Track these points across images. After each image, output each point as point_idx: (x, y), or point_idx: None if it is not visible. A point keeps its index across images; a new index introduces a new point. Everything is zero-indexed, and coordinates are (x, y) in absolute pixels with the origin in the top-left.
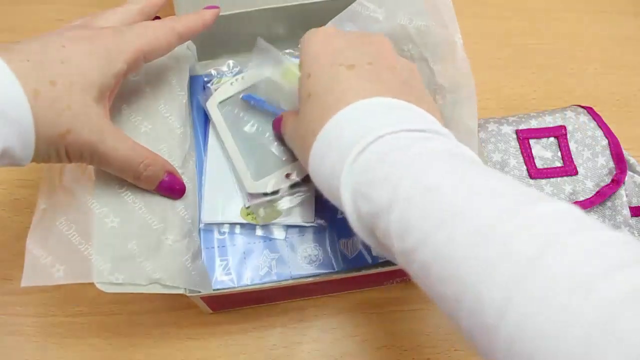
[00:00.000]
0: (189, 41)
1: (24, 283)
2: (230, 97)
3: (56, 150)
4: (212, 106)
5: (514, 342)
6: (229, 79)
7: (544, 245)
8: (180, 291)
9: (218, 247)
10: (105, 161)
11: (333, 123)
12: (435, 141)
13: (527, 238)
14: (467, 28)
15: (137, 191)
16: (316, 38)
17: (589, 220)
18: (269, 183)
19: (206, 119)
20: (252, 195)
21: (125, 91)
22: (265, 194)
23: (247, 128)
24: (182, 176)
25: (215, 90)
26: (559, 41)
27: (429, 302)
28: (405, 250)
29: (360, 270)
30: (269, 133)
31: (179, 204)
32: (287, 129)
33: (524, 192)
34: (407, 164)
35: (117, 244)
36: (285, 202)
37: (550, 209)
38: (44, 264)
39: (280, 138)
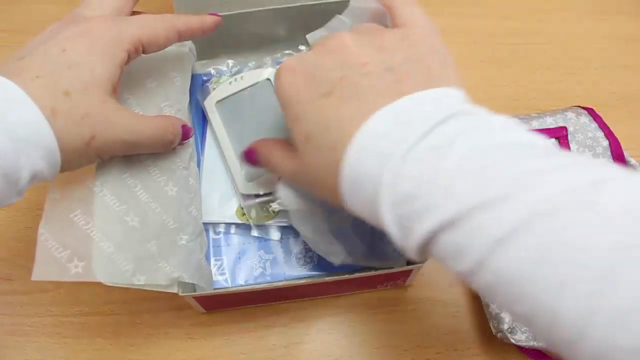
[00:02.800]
0: (190, 42)
1: (35, 277)
2: (229, 96)
3: (86, 157)
4: (209, 105)
5: (600, 357)
6: (228, 78)
7: (620, 247)
8: (174, 289)
9: (213, 246)
10: (136, 148)
11: (349, 167)
12: (457, 144)
13: (598, 240)
14: (467, 28)
15: (151, 190)
16: (284, 78)
17: None
18: (261, 184)
19: (204, 118)
20: (245, 196)
21: (130, 88)
22: (258, 195)
23: (243, 128)
24: (188, 177)
25: (214, 89)
26: (559, 41)
27: (429, 302)
28: (461, 272)
29: (353, 273)
30: (264, 135)
31: (190, 204)
32: (285, 170)
33: (579, 181)
34: (439, 189)
35: (137, 244)
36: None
37: (620, 193)
38: (60, 257)
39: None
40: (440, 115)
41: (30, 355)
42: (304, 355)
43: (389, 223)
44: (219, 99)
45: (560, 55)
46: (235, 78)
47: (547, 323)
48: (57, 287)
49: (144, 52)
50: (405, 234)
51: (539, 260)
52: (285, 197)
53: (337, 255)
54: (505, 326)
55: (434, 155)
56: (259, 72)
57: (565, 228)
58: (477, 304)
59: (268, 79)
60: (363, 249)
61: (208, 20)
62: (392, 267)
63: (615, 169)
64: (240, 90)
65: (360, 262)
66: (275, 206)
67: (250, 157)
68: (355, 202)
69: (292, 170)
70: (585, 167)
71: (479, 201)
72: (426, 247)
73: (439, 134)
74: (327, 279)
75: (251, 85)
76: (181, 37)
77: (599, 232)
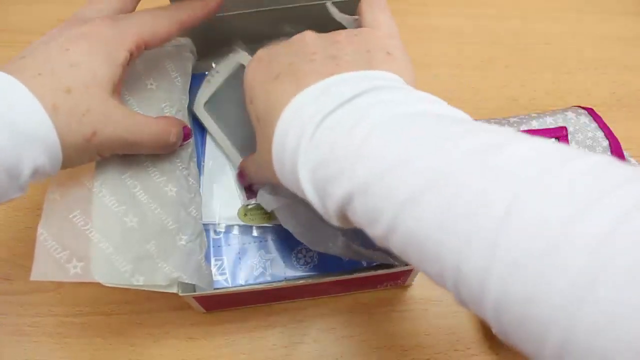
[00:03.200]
0: (191, 43)
1: (34, 277)
2: (212, 95)
3: (87, 153)
4: (198, 110)
5: (501, 311)
6: (206, 78)
7: (511, 198)
8: (174, 290)
9: (213, 246)
10: (137, 148)
11: (277, 138)
12: (371, 112)
13: (493, 195)
14: (467, 28)
15: (150, 190)
16: (251, 67)
17: (566, 153)
18: None
19: None
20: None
21: (131, 89)
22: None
23: (237, 122)
24: (187, 177)
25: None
26: (559, 41)
27: (429, 302)
28: (378, 236)
29: (352, 273)
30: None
31: (189, 204)
32: (252, 167)
33: (479, 144)
34: (353, 152)
35: (136, 245)
36: None
37: (517, 153)
38: (58, 258)
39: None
40: (361, 88)
41: (30, 355)
42: (304, 355)
43: (309, 191)
44: (205, 101)
45: (560, 55)
46: (212, 74)
47: (455, 281)
48: (57, 287)
49: (146, 48)
50: (323, 201)
51: (442, 219)
52: (263, 199)
53: (325, 244)
54: None
55: (348, 122)
56: (231, 59)
57: (464, 187)
58: None
59: (242, 64)
60: (358, 240)
61: (211, 2)
62: (392, 266)
63: (518, 136)
64: (220, 85)
65: (357, 256)
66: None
67: (242, 177)
68: (283, 175)
69: (255, 163)
70: (488, 132)
71: (387, 165)
72: (344, 213)
73: (356, 103)
74: (327, 279)
75: (228, 77)
76: (183, 26)
77: (494, 186)
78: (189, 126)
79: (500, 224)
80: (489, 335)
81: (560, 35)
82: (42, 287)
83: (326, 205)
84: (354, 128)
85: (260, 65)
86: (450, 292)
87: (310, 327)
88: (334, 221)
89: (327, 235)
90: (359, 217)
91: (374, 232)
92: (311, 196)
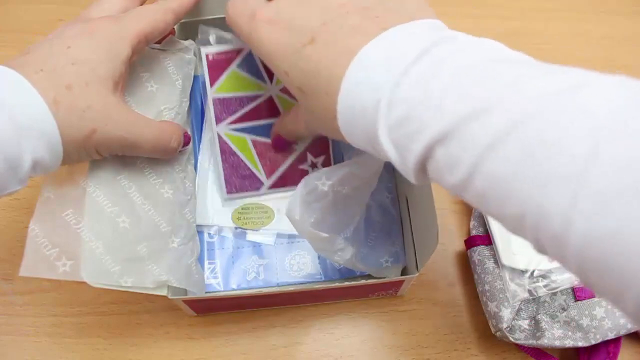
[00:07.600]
0: (195, 45)
1: (23, 272)
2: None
3: (86, 151)
4: None
5: (586, 249)
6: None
7: (597, 137)
8: (164, 292)
9: (207, 249)
10: (136, 149)
11: (344, 103)
12: (445, 65)
13: (578, 133)
14: (467, 28)
15: (145, 192)
16: (264, 33)
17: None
18: (526, 260)
19: (202, 121)
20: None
21: (131, 90)
22: (522, 272)
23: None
24: (184, 180)
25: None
26: (559, 41)
27: (429, 302)
28: (457, 184)
29: (343, 282)
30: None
31: (184, 207)
32: (300, 127)
33: (561, 84)
34: (434, 106)
35: (127, 246)
36: (275, 205)
37: (598, 92)
38: (48, 255)
39: None
40: (428, 41)
41: (30, 355)
42: (304, 355)
43: (388, 148)
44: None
45: (560, 55)
46: None
47: (535, 220)
48: (57, 287)
49: (147, 42)
50: (403, 157)
51: (526, 159)
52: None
53: (342, 253)
54: (504, 325)
55: (424, 77)
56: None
57: (548, 125)
58: (477, 304)
59: None
60: (360, 254)
61: None
62: (385, 277)
63: (599, 74)
64: None
65: (355, 267)
66: (273, 207)
67: (278, 142)
68: (354, 136)
69: (304, 122)
70: (568, 73)
71: (467, 112)
72: (423, 167)
73: (429, 58)
74: (318, 286)
75: None
76: (179, 17)
77: (579, 122)
78: (189, 132)
79: (586, 161)
80: (489, 335)
81: (560, 35)
82: (42, 287)
83: (406, 161)
84: (429, 83)
85: (277, 30)
86: (529, 238)
87: (310, 327)
88: (412, 177)
89: (337, 245)
90: (438, 168)
91: (453, 180)
92: (391, 153)
